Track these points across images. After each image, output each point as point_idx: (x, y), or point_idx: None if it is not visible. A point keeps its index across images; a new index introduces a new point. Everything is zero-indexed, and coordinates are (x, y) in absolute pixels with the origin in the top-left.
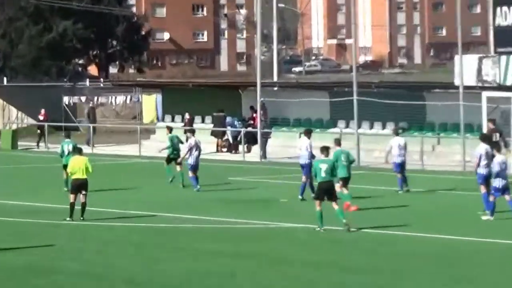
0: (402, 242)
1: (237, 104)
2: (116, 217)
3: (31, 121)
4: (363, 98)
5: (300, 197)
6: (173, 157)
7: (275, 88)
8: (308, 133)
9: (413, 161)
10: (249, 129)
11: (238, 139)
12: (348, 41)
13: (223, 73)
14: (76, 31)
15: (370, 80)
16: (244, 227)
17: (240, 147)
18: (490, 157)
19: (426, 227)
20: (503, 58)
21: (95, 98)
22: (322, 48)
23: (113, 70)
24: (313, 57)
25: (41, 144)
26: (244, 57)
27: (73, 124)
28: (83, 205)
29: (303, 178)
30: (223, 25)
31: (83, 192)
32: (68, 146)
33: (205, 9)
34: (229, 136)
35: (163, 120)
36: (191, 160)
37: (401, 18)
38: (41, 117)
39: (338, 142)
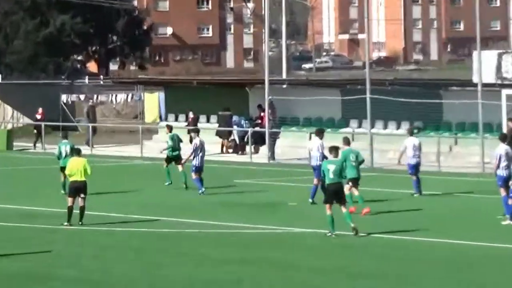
0: (413, 247)
1: (244, 102)
2: (116, 221)
3: (27, 120)
4: (377, 96)
5: (310, 200)
6: (173, 157)
7: (284, 86)
8: (319, 133)
9: (429, 162)
10: (257, 128)
11: (245, 139)
12: (360, 36)
13: (229, 70)
14: (75, 26)
15: (384, 77)
16: (251, 232)
17: (247, 148)
18: (510, 158)
19: (440, 231)
20: None
21: (95, 97)
22: (334, 44)
23: (113, 67)
24: (324, 53)
25: (38, 144)
26: (251, 53)
27: (71, 124)
28: (82, 209)
29: (315, 181)
30: (229, 19)
31: (82, 195)
32: (65, 147)
33: (210, 2)
34: (235, 136)
35: (166, 119)
36: (195, 162)
37: (416, 11)
38: (38, 116)
39: (347, 141)
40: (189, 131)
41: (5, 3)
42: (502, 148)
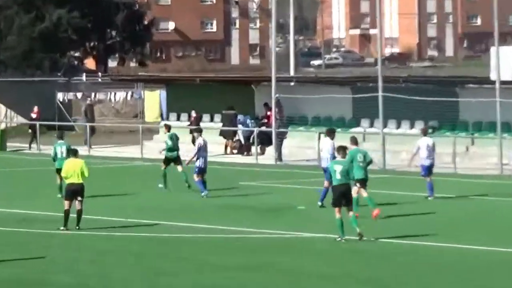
0: (423, 252)
1: (250, 101)
2: (115, 225)
3: (21, 119)
4: (389, 94)
5: (319, 203)
6: (172, 158)
7: (292, 83)
8: (331, 133)
9: (445, 164)
10: (263, 128)
11: (251, 139)
12: (372, 31)
13: (234, 66)
14: (72, 20)
15: (397, 74)
16: (257, 237)
17: (253, 149)
18: None
19: (451, 235)
20: None
21: (92, 95)
22: (344, 39)
23: (112, 63)
24: (334, 49)
25: (33, 145)
26: (258, 49)
27: (68, 123)
28: (79, 212)
29: (325, 183)
30: (234, 13)
31: (79, 199)
32: (61, 148)
33: None
34: (240, 136)
35: (167, 118)
36: (199, 163)
37: (431, 5)
38: (34, 115)
39: (354, 140)
40: (191, 131)
41: None
42: None
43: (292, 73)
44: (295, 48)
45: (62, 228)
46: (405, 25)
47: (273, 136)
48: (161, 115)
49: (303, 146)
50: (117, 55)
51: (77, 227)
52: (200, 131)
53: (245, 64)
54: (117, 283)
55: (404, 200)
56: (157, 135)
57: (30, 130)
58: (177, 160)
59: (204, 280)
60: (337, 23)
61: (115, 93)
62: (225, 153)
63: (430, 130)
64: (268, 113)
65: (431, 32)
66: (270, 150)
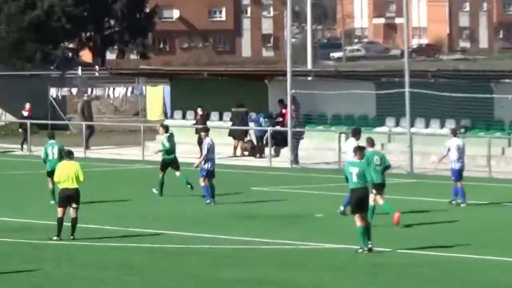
0: (455, 265)
1: (263, 97)
2: (114, 235)
3: (10, 117)
4: (417, 90)
5: (342, 208)
6: (169, 161)
7: (309, 78)
8: (356, 134)
9: (478, 167)
10: (278, 128)
11: (264, 140)
12: (398, 20)
13: (245, 59)
14: (65, 8)
15: (425, 68)
16: (270, 248)
17: (266, 150)
18: None
19: (485, 247)
20: None
21: (89, 90)
22: (367, 29)
23: (110, 56)
24: (356, 40)
25: (25, 146)
26: (271, 40)
27: (61, 122)
28: (74, 221)
29: None
30: (246, 0)
31: (74, 206)
32: (52, 149)
33: None
34: (252, 137)
35: (171, 117)
36: (208, 165)
37: None
38: (25, 113)
39: (371, 142)
40: (197, 131)
41: None
42: None
43: (309, 66)
44: (312, 39)
45: (55, 238)
46: (434, 14)
47: (289, 136)
48: (165, 113)
49: (322, 148)
50: (116, 47)
51: (72, 237)
52: (207, 130)
53: (257, 57)
54: None
55: (435, 207)
56: (159, 136)
57: (21, 129)
58: (174, 164)
59: None
60: (360, 11)
61: (113, 89)
62: (234, 155)
63: (461, 130)
64: (283, 110)
65: (463, 21)
66: (285, 151)
